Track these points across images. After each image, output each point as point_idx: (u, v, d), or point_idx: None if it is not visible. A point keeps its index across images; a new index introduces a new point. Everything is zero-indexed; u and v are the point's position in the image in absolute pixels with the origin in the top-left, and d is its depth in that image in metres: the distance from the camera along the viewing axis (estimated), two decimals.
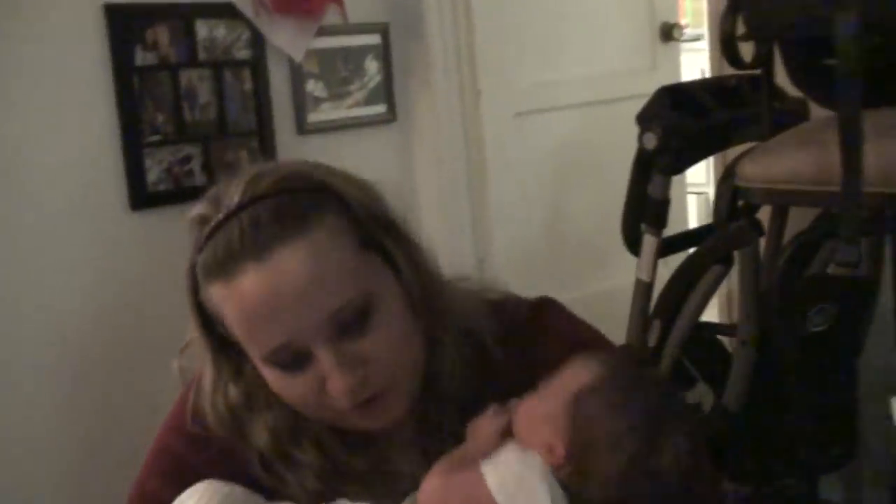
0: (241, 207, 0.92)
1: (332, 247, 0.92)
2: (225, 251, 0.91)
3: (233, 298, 0.91)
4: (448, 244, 2.74)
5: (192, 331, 0.99)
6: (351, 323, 0.92)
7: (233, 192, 0.94)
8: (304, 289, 0.90)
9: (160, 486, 1.04)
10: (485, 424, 0.94)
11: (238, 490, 0.99)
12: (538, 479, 0.88)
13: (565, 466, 0.89)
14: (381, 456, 1.03)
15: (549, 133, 3.02)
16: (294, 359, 0.93)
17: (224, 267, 0.91)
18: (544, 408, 0.92)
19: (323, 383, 0.93)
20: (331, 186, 0.95)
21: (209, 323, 0.97)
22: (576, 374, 0.93)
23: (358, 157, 2.59)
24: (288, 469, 1.01)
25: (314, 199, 0.93)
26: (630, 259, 2.19)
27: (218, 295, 0.93)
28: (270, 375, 0.96)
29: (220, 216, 0.92)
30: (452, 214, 2.84)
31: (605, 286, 2.91)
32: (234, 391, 1.00)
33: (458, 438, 0.96)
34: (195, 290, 0.96)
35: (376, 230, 0.96)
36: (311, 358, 0.92)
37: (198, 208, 0.96)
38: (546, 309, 1.11)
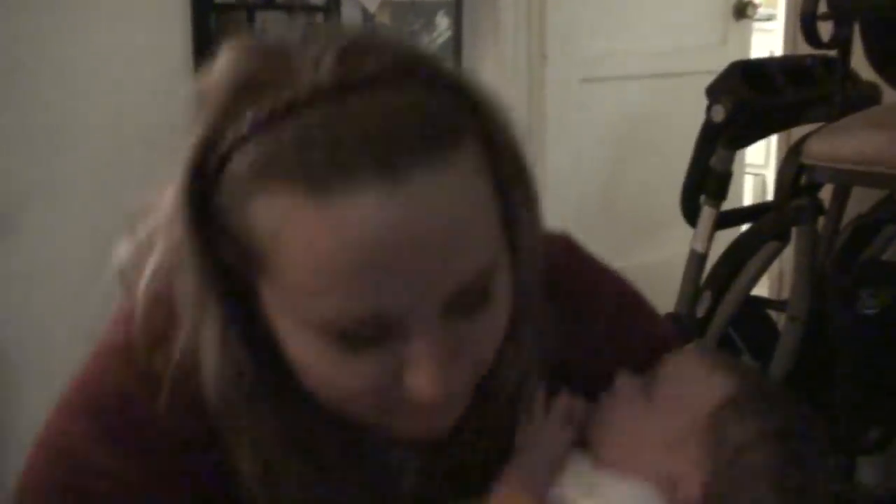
0: (349, 87, 0.61)
1: (474, 187, 0.64)
2: (329, 151, 0.59)
3: (328, 227, 0.60)
4: None
5: (176, 249, 0.67)
6: (470, 300, 0.66)
7: (317, 60, 0.61)
8: (446, 240, 0.62)
9: (93, 438, 0.73)
10: (555, 431, 0.77)
11: None
12: None
13: None
14: (378, 471, 0.79)
15: (613, 102, 3.03)
16: (374, 333, 0.64)
17: (320, 175, 0.59)
18: (662, 428, 0.74)
19: (400, 369, 0.66)
20: (478, 94, 0.66)
21: (213, 247, 0.65)
22: (704, 386, 0.76)
23: None
24: (268, 483, 0.73)
25: (463, 109, 0.64)
26: (682, 231, 2.21)
27: (289, 214, 0.61)
28: (320, 351, 0.65)
29: (304, 89, 0.61)
30: None
31: (657, 257, 2.93)
32: (247, 363, 0.69)
33: (474, 448, 0.77)
34: (204, 193, 0.64)
35: (511, 175, 0.68)
36: (397, 335, 0.65)
37: (232, 61, 0.64)
38: (574, 259, 0.87)
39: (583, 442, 0.77)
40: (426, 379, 0.64)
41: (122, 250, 0.73)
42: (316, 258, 0.61)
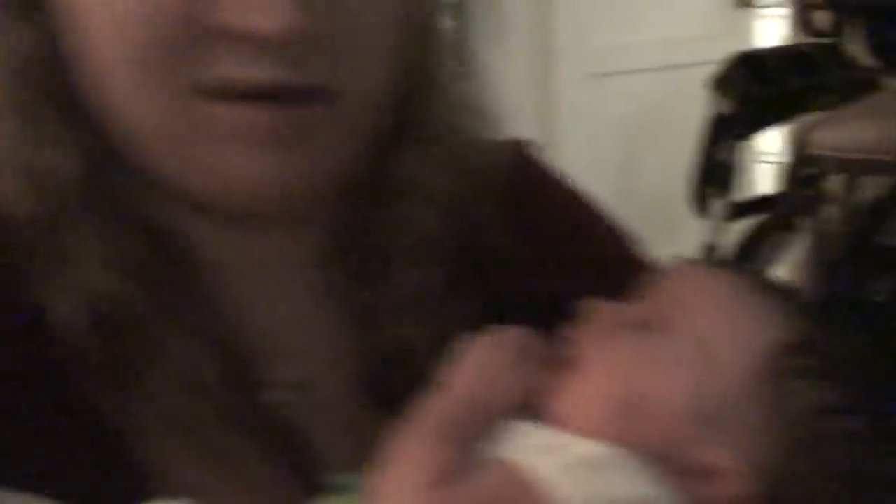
0: None
1: None
2: None
3: None
4: None
5: None
6: None
7: None
8: None
9: None
10: (493, 367, 0.50)
11: None
12: None
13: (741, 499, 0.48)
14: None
15: (622, 96, 3.04)
16: None
17: None
18: (678, 389, 0.49)
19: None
20: None
21: None
22: (748, 320, 0.50)
23: None
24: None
25: None
26: (698, 223, 2.23)
27: None
28: None
29: None
30: None
31: (673, 250, 2.93)
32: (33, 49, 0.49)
33: (409, 353, 0.55)
34: None
35: None
36: None
37: None
38: (530, 163, 0.69)
39: (534, 406, 0.51)
40: None
41: None
42: None
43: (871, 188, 1.99)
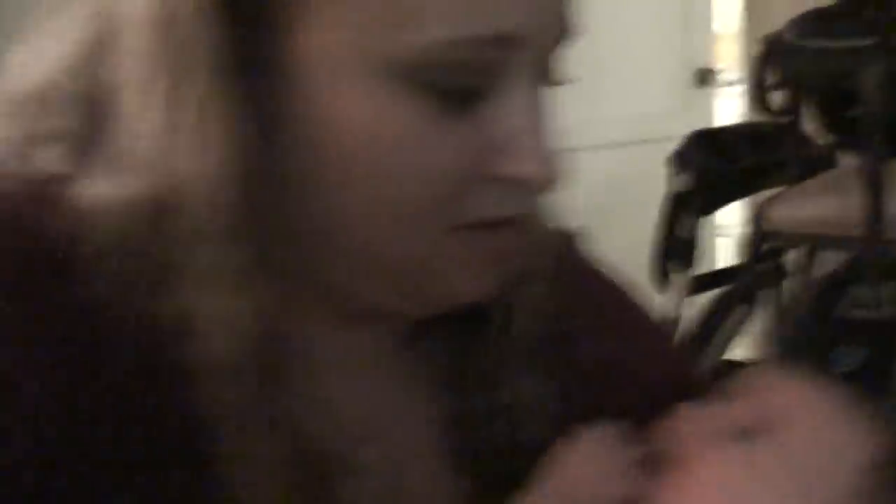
0: None
1: None
2: None
3: None
4: None
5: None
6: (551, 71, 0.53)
7: None
8: None
9: None
10: (596, 464, 0.53)
11: None
12: None
13: None
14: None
15: (584, 171, 3.07)
16: (466, 91, 0.48)
17: None
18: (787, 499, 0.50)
19: (497, 154, 0.49)
20: None
21: None
22: (840, 434, 0.52)
23: None
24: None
25: None
26: (660, 298, 2.24)
27: None
28: (405, 115, 0.47)
29: None
30: None
31: None
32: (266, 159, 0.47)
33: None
34: None
35: None
36: (487, 101, 0.48)
37: None
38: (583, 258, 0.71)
39: None
40: (537, 147, 0.50)
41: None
42: None
43: (830, 262, 2.02)
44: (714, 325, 2.17)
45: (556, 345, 0.59)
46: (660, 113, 3.20)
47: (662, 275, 2.22)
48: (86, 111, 0.48)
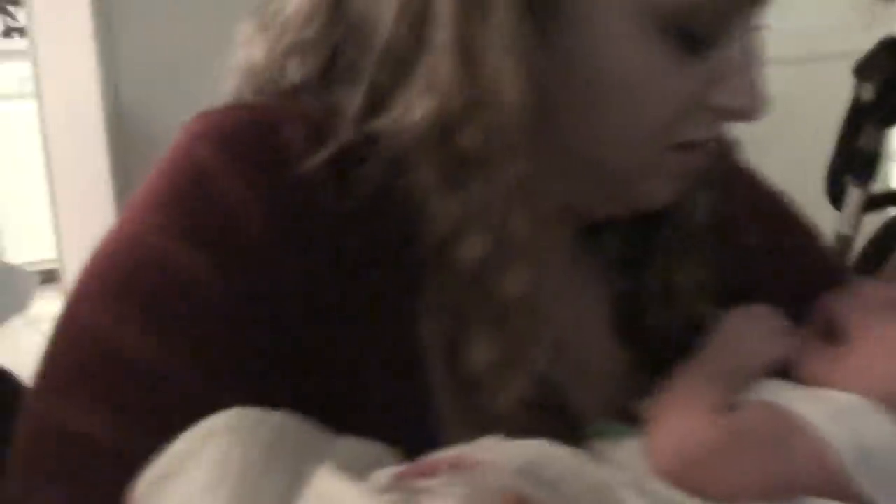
0: None
1: None
2: None
3: None
4: None
5: None
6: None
7: None
8: None
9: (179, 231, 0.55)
10: (757, 336, 0.60)
11: (290, 424, 0.49)
12: None
13: None
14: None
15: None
16: (701, 37, 0.58)
17: None
18: None
19: (714, 88, 0.59)
20: None
21: None
22: None
23: None
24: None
25: None
26: (826, 216, 2.16)
27: None
28: (655, 57, 0.57)
29: None
30: None
31: None
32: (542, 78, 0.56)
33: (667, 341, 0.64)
34: None
35: None
36: (712, 46, 0.58)
37: None
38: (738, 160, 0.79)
39: (788, 371, 0.59)
40: (755, 83, 0.60)
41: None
42: None
43: None
44: (886, 247, 2.08)
45: (719, 235, 0.68)
46: (842, 27, 3.06)
47: (839, 190, 2.13)
48: (343, 30, 0.58)
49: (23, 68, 3.06)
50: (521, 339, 0.57)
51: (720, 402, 0.55)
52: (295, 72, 0.60)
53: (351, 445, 0.51)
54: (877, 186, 2.22)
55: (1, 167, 4.20)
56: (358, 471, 0.47)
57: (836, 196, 2.15)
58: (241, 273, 0.54)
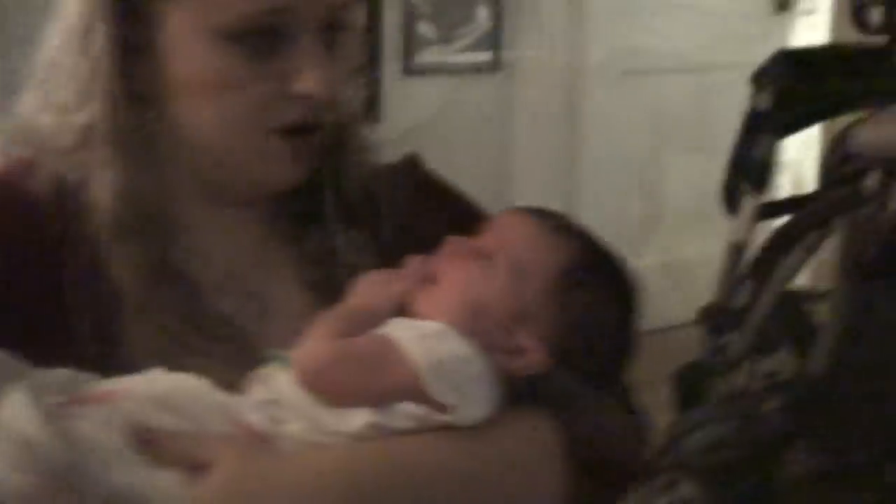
0: None
1: None
2: None
3: None
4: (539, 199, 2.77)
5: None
6: (338, 24, 0.81)
7: None
8: None
9: None
10: (379, 287, 0.79)
11: None
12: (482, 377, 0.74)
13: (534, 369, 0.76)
14: (255, 287, 0.85)
15: (653, 94, 3.01)
16: (267, 40, 0.78)
17: None
18: (504, 298, 0.77)
19: (290, 79, 0.78)
20: None
21: None
22: (544, 251, 0.79)
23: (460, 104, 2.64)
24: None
25: None
26: (725, 226, 2.19)
27: None
28: (226, 61, 0.78)
29: None
30: (544, 168, 2.86)
31: (698, 251, 2.90)
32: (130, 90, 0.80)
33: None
34: None
35: None
36: (286, 45, 0.78)
37: None
38: (417, 164, 0.97)
39: (406, 310, 0.78)
40: (317, 74, 0.78)
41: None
42: None
43: None
44: (784, 250, 2.11)
45: (375, 213, 0.88)
46: (738, 37, 3.12)
47: (733, 197, 2.16)
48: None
49: None
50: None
51: (341, 332, 0.73)
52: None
53: (45, 374, 0.68)
54: (771, 195, 2.26)
55: None
56: (51, 397, 0.65)
57: (731, 203, 2.18)
58: None
